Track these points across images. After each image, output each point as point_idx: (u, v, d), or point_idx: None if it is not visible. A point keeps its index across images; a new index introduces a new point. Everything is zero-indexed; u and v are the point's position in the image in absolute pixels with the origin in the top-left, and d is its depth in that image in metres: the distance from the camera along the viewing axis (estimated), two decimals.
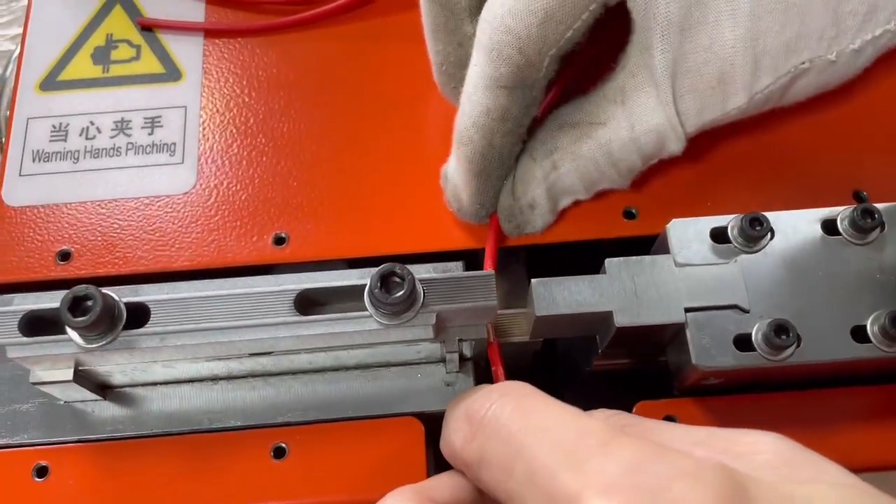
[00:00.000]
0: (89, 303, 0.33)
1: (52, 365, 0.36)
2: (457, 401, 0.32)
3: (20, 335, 0.34)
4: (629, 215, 0.43)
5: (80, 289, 0.33)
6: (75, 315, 0.33)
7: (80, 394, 0.39)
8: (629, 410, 0.40)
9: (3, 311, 0.35)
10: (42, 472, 0.38)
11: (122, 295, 0.35)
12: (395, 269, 0.34)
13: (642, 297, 0.37)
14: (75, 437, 0.39)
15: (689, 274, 0.37)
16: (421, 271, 0.36)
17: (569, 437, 0.26)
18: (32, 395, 0.40)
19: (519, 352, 0.43)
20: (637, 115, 0.38)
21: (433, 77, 0.42)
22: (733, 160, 0.44)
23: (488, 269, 0.39)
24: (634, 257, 0.38)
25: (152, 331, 0.35)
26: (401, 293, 0.34)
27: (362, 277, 0.35)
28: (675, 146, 0.38)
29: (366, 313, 0.35)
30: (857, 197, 0.43)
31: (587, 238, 0.42)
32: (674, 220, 0.38)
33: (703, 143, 0.44)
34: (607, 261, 0.38)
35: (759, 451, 0.26)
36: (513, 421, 0.28)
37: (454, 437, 0.31)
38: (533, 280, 0.37)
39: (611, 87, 0.39)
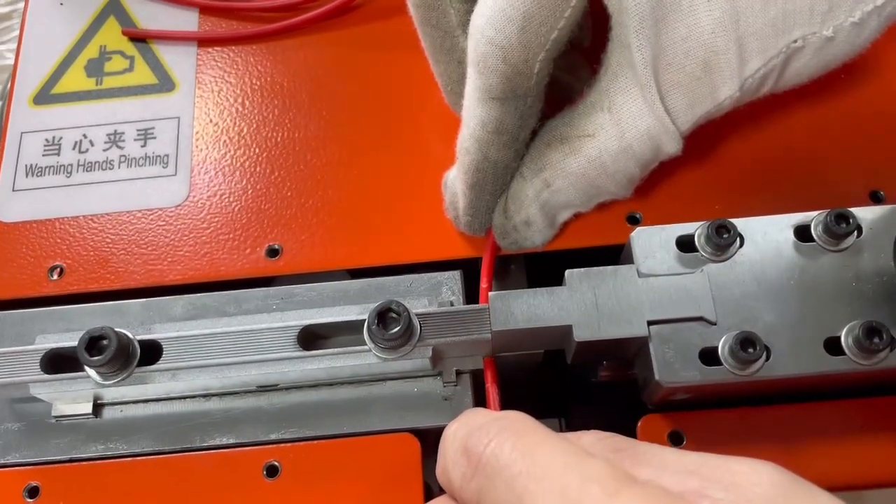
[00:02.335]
0: (105, 342, 0.35)
1: (73, 399, 0.37)
2: (454, 429, 0.30)
3: (42, 373, 0.36)
4: (633, 220, 0.41)
5: (96, 329, 0.35)
6: (92, 354, 0.35)
7: (71, 409, 0.38)
8: (635, 422, 0.38)
9: (27, 350, 0.37)
10: (33, 492, 0.37)
11: (136, 333, 0.37)
12: (391, 306, 0.34)
13: (603, 310, 0.35)
14: (66, 457, 0.38)
15: (652, 285, 0.35)
16: (418, 306, 0.36)
17: (573, 485, 0.24)
18: (23, 414, 0.39)
19: (520, 364, 0.42)
20: (625, 122, 0.36)
21: (439, 94, 0.41)
22: (743, 161, 0.42)
23: (484, 283, 0.38)
24: (596, 268, 0.36)
25: (165, 367, 0.36)
26: (397, 329, 0.33)
27: (362, 313, 0.35)
28: (672, 147, 0.36)
29: (365, 348, 0.35)
30: (875, 197, 0.41)
31: (589, 245, 0.41)
32: (638, 229, 0.36)
33: (710, 143, 0.42)
34: (567, 272, 0.36)
35: (755, 482, 0.24)
36: (514, 462, 0.26)
37: (452, 470, 0.29)
38: (490, 294, 0.36)
39: (596, 92, 0.37)
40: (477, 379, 0.41)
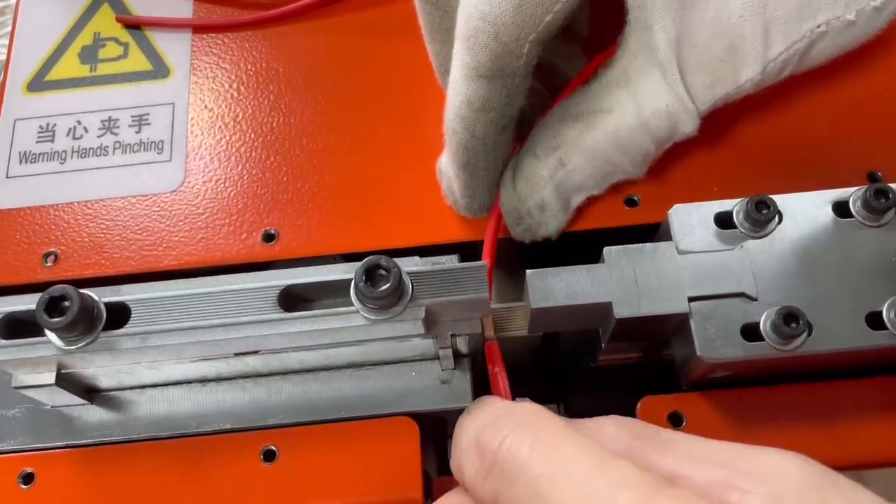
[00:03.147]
0: (66, 303, 0.32)
1: (34, 368, 0.35)
2: (467, 421, 0.29)
3: None
4: (631, 203, 0.41)
5: (57, 289, 0.32)
6: (52, 316, 0.32)
7: (66, 398, 0.37)
8: (634, 405, 0.38)
9: None
10: (28, 478, 0.37)
11: (103, 295, 0.34)
12: (380, 262, 0.32)
13: (643, 287, 0.35)
14: (62, 443, 0.38)
15: (692, 261, 0.36)
16: (409, 264, 0.35)
17: (603, 492, 0.23)
18: (18, 400, 0.39)
19: (518, 347, 0.42)
20: (644, 98, 0.35)
21: (436, 79, 0.41)
22: (741, 142, 0.42)
23: (485, 261, 0.37)
24: (634, 245, 0.36)
25: (133, 331, 0.34)
26: (386, 286, 0.32)
27: (349, 272, 0.34)
28: (689, 126, 0.36)
29: (352, 308, 0.34)
30: (872, 178, 0.41)
31: (588, 228, 0.40)
32: (676, 206, 0.36)
33: (709, 125, 0.42)
34: (606, 249, 0.36)
35: (783, 474, 0.24)
36: (533, 462, 0.25)
37: (465, 466, 0.28)
38: (528, 271, 0.36)
39: (613, 72, 0.37)
40: (476, 363, 0.40)
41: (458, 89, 0.35)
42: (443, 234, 0.41)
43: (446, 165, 0.39)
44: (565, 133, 0.37)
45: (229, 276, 0.36)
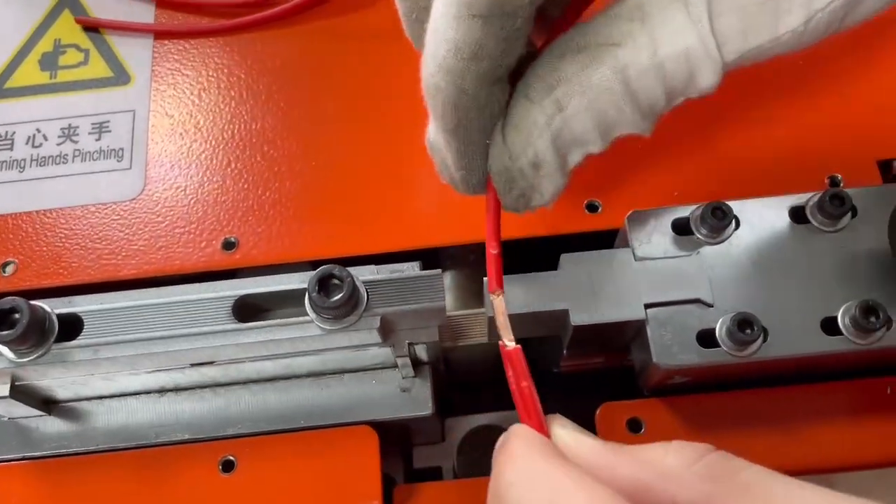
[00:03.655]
0: (16, 315, 0.32)
1: None
2: (506, 473, 0.27)
3: None
4: (592, 208, 0.41)
5: (6, 301, 0.32)
6: (2, 328, 0.32)
7: (23, 410, 0.37)
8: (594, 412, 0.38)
9: None
10: None
11: (55, 306, 0.34)
12: (333, 272, 0.32)
13: (600, 294, 0.35)
14: (19, 455, 0.38)
15: (649, 268, 0.36)
16: (365, 273, 0.35)
17: None
18: None
19: (480, 354, 0.42)
20: (661, 35, 0.30)
21: (403, 32, 0.37)
22: (702, 147, 0.42)
23: (493, 248, 0.32)
24: (591, 252, 0.36)
25: (85, 343, 0.34)
26: (340, 296, 0.32)
27: (304, 281, 0.33)
28: (708, 79, 0.30)
29: (307, 318, 0.34)
30: (833, 182, 0.41)
31: (547, 234, 0.40)
32: (632, 212, 0.36)
33: (671, 129, 0.42)
34: (563, 256, 0.36)
35: None
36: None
37: None
38: (486, 278, 0.36)
39: (625, 5, 0.31)
40: (437, 371, 0.40)
41: (443, 34, 0.29)
42: (406, 240, 0.41)
43: (435, 134, 0.33)
44: (565, 68, 0.31)
45: (184, 286, 0.36)
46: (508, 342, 0.30)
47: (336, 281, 0.32)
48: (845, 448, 0.36)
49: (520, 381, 0.29)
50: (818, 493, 0.24)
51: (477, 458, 0.43)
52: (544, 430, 0.28)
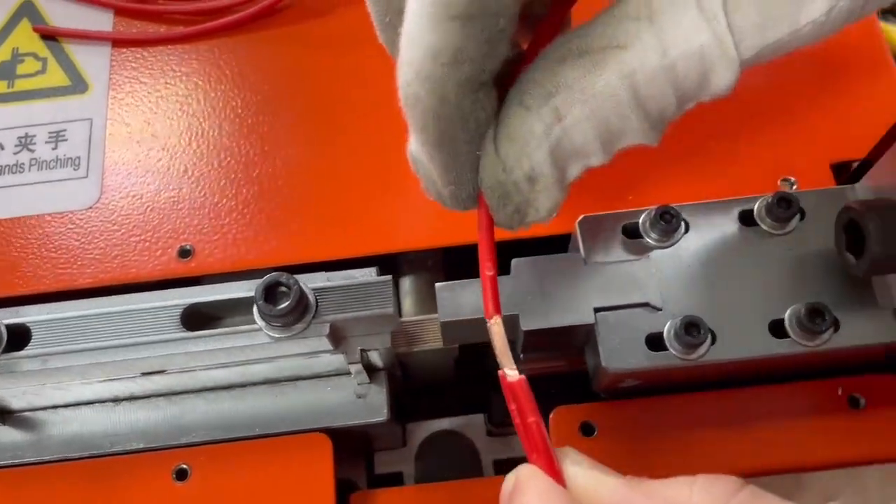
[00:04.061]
0: None
1: None
2: None
3: None
4: None
5: None
6: None
7: None
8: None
9: None
10: None
11: (3, 316, 0.34)
12: (280, 279, 0.32)
13: (550, 299, 0.35)
14: None
15: (599, 272, 0.36)
16: (316, 280, 0.35)
17: None
18: None
19: (438, 358, 0.42)
20: (672, 34, 0.27)
21: (368, 38, 0.35)
22: (654, 152, 0.42)
23: (489, 269, 0.29)
24: (541, 256, 0.36)
25: (34, 353, 0.34)
26: (286, 304, 0.32)
27: (251, 290, 0.33)
28: (725, 79, 0.28)
29: (255, 326, 0.34)
30: (786, 185, 0.41)
31: (499, 239, 0.40)
32: (583, 217, 0.37)
33: None
34: (514, 261, 0.36)
35: None
36: None
37: None
38: (437, 284, 0.36)
39: (631, 3, 0.28)
40: (394, 377, 0.40)
41: (419, 38, 0.26)
42: (364, 246, 0.41)
43: (417, 148, 0.30)
44: (565, 73, 0.28)
45: (133, 295, 0.36)
46: (510, 372, 0.27)
47: (283, 289, 0.32)
48: (797, 449, 0.36)
49: (526, 416, 0.26)
50: None
51: (436, 464, 0.43)
52: (556, 471, 0.26)
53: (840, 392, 0.37)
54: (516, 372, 0.27)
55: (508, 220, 0.29)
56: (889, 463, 0.36)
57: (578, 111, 0.28)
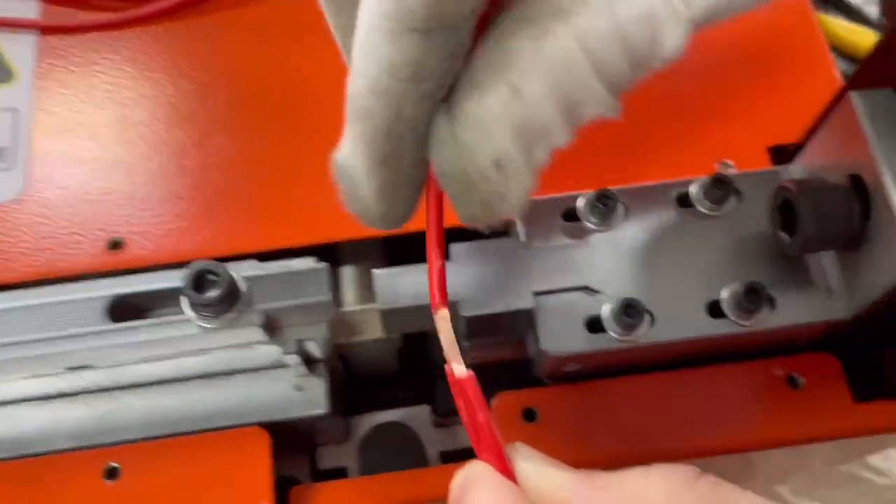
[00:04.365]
0: None
1: None
2: None
3: None
4: None
5: None
6: None
7: None
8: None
9: None
10: None
11: None
12: (209, 267, 0.32)
13: (489, 284, 0.35)
14: None
15: (539, 256, 0.35)
16: (248, 269, 0.34)
17: None
18: None
19: (381, 348, 0.41)
20: None
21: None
22: (593, 134, 0.42)
23: (437, 259, 0.28)
24: (480, 241, 0.36)
25: None
26: (217, 292, 0.31)
27: (180, 280, 0.32)
28: (675, 39, 0.26)
29: (184, 317, 0.32)
30: (723, 168, 0.41)
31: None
32: None
33: None
34: (452, 246, 0.36)
35: None
36: None
37: None
38: (374, 271, 0.35)
39: None
40: (336, 369, 0.40)
41: (375, 52, 0.25)
42: (302, 236, 0.40)
43: (351, 161, 0.28)
44: (514, 45, 0.26)
45: (56, 286, 0.34)
46: (458, 367, 0.26)
47: (212, 277, 0.32)
48: (739, 429, 0.36)
49: (475, 414, 0.25)
50: None
51: (380, 456, 0.42)
52: (507, 469, 0.25)
53: (779, 372, 0.37)
54: (464, 367, 0.26)
55: (475, 211, 0.27)
56: (829, 440, 0.37)
57: (536, 84, 0.26)
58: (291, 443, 0.40)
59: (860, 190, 0.31)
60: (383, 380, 0.44)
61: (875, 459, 0.65)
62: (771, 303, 0.34)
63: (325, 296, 0.33)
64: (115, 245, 0.39)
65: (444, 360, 0.43)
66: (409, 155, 0.26)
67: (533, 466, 0.25)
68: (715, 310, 0.34)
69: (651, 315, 0.34)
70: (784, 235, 0.33)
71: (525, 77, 0.25)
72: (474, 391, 0.26)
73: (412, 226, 0.40)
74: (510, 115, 0.26)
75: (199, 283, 0.31)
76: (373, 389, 0.45)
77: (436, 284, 0.27)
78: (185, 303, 0.32)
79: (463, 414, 0.26)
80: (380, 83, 0.25)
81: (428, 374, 0.44)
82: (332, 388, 0.38)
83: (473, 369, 0.44)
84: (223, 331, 0.32)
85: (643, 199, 0.37)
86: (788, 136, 0.42)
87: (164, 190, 0.41)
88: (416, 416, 0.44)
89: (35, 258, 0.39)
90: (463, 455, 0.43)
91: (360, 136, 0.26)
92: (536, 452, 0.26)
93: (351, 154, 0.27)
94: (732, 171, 0.39)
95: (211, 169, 0.41)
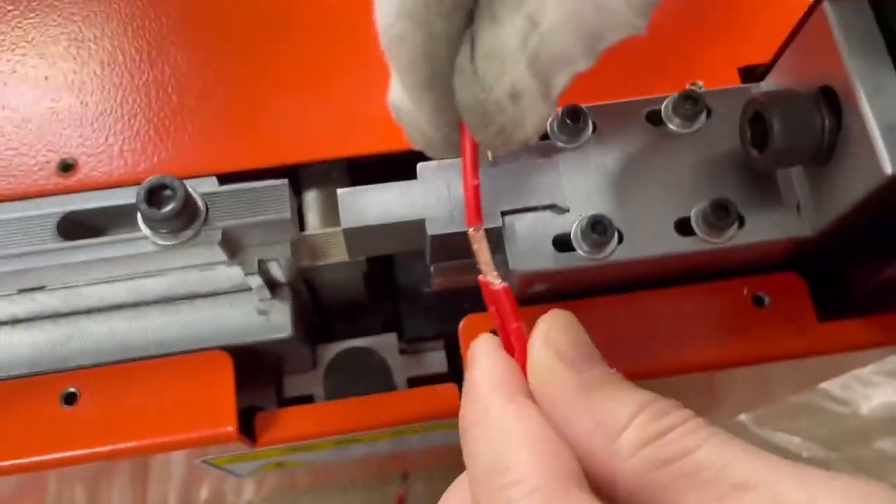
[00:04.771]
0: None
1: None
2: (468, 411, 0.26)
3: None
4: None
5: None
6: None
7: None
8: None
9: None
10: None
11: None
12: (164, 181, 0.30)
13: (456, 203, 0.34)
14: None
15: (506, 175, 0.35)
16: (205, 185, 0.33)
17: None
18: None
19: (345, 276, 0.40)
20: None
21: None
22: None
23: (473, 176, 0.28)
24: (449, 160, 0.35)
25: None
26: (172, 206, 0.30)
27: (134, 197, 0.31)
28: None
29: (140, 234, 0.31)
30: (694, 87, 0.41)
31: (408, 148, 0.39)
32: None
33: None
34: (419, 165, 0.35)
35: None
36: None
37: None
38: (339, 190, 0.34)
39: None
40: (299, 293, 0.39)
41: None
42: (262, 158, 0.38)
43: (399, 96, 0.28)
44: None
45: (4, 204, 0.33)
46: (493, 279, 0.27)
47: (168, 192, 0.30)
48: (705, 347, 0.36)
49: (509, 323, 0.27)
50: (783, 468, 0.22)
51: (346, 381, 0.42)
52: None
53: (745, 291, 0.37)
54: (499, 279, 0.28)
55: (493, 139, 0.27)
56: (794, 359, 0.37)
57: (553, 15, 0.25)
58: (256, 371, 0.39)
59: (831, 101, 0.31)
60: (349, 308, 0.43)
61: (835, 389, 0.67)
62: (740, 220, 0.34)
63: (286, 213, 0.32)
64: (67, 167, 0.38)
65: (414, 285, 0.42)
66: (451, 72, 0.26)
67: (547, 358, 0.26)
68: (684, 227, 0.34)
69: (619, 233, 0.34)
70: (754, 151, 0.33)
71: (542, 8, 0.25)
72: (510, 300, 0.27)
73: (375, 147, 0.40)
74: (528, 49, 0.25)
75: (154, 197, 0.30)
76: (339, 319, 0.44)
77: (472, 201, 0.28)
78: (140, 219, 0.31)
79: (497, 322, 0.28)
80: (406, 5, 0.24)
81: (394, 300, 0.43)
82: (296, 312, 0.37)
83: (437, 296, 0.44)
84: (181, 249, 0.31)
85: (613, 116, 0.36)
86: (759, 57, 0.41)
87: (118, 109, 0.39)
88: (383, 343, 0.43)
89: None
90: (430, 381, 0.42)
91: (400, 68, 0.26)
92: (556, 344, 0.27)
93: (398, 90, 0.27)
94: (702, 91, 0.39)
95: (166, 87, 0.39)
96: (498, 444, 0.24)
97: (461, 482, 0.27)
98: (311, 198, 0.41)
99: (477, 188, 0.28)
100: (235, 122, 0.39)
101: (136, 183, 0.37)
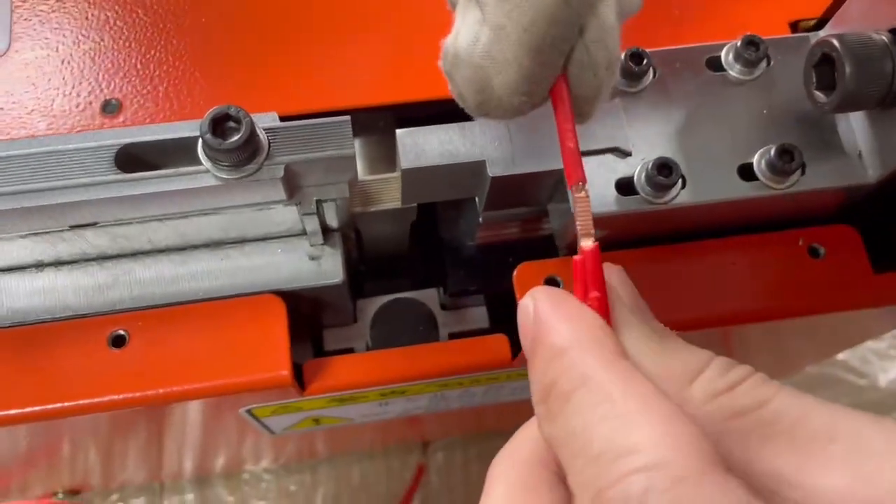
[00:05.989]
0: None
1: None
2: (561, 379, 0.22)
3: None
4: None
5: None
6: None
7: None
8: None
9: None
10: None
11: None
12: (229, 112, 0.29)
13: (518, 145, 0.34)
14: None
15: None
16: (266, 120, 0.32)
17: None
18: None
19: (393, 225, 0.40)
20: None
21: None
22: None
23: (568, 141, 0.27)
24: None
25: None
26: (237, 138, 0.29)
27: (196, 130, 0.30)
28: None
29: (202, 168, 0.30)
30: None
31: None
32: None
33: None
34: None
35: None
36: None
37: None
38: (398, 130, 0.33)
39: None
40: (349, 239, 0.38)
41: None
42: (309, 102, 0.38)
43: (486, 48, 0.25)
44: None
45: (59, 136, 0.32)
46: (586, 241, 0.25)
47: (232, 123, 0.29)
48: (760, 297, 0.36)
49: (590, 290, 0.25)
50: (860, 417, 0.21)
51: (390, 332, 0.41)
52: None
53: (801, 242, 0.37)
54: (592, 241, 0.25)
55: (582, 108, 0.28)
56: (849, 311, 0.37)
57: None
58: (301, 322, 0.39)
59: None
60: (391, 261, 0.43)
61: (854, 361, 0.67)
62: (803, 165, 0.33)
63: (349, 149, 0.31)
64: (111, 108, 0.37)
65: (458, 238, 0.42)
66: (562, 45, 0.25)
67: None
68: (747, 172, 0.34)
69: (683, 178, 0.33)
70: (820, 94, 0.32)
71: None
72: (596, 263, 0.25)
73: (422, 94, 0.39)
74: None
75: (219, 128, 0.29)
76: (379, 273, 0.44)
77: (571, 160, 0.26)
78: (201, 152, 0.30)
79: (578, 286, 0.25)
80: None
81: (437, 256, 0.43)
82: (346, 259, 0.37)
83: (481, 250, 0.44)
84: (242, 184, 0.30)
85: (673, 62, 0.35)
86: (810, 11, 0.41)
87: (162, 51, 0.38)
88: (425, 298, 0.43)
89: (23, 119, 0.36)
90: (472, 336, 0.42)
91: (510, 23, 0.24)
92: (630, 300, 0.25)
93: (488, 41, 0.25)
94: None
95: (212, 31, 0.38)
96: (613, 419, 0.20)
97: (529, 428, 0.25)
98: (358, 147, 0.40)
99: (576, 147, 0.26)
100: (283, 67, 0.38)
101: (182, 121, 0.37)
